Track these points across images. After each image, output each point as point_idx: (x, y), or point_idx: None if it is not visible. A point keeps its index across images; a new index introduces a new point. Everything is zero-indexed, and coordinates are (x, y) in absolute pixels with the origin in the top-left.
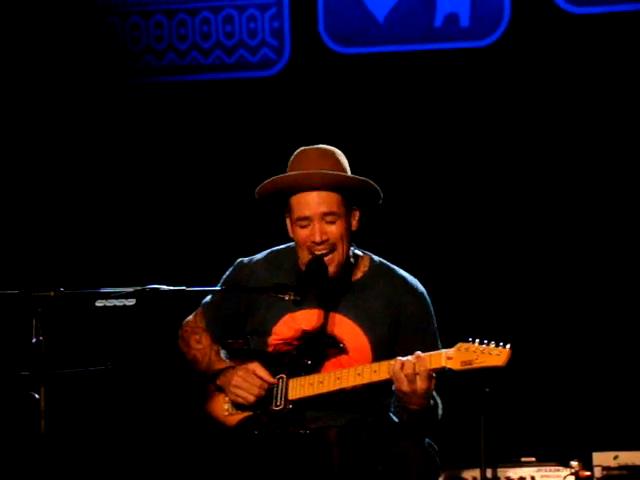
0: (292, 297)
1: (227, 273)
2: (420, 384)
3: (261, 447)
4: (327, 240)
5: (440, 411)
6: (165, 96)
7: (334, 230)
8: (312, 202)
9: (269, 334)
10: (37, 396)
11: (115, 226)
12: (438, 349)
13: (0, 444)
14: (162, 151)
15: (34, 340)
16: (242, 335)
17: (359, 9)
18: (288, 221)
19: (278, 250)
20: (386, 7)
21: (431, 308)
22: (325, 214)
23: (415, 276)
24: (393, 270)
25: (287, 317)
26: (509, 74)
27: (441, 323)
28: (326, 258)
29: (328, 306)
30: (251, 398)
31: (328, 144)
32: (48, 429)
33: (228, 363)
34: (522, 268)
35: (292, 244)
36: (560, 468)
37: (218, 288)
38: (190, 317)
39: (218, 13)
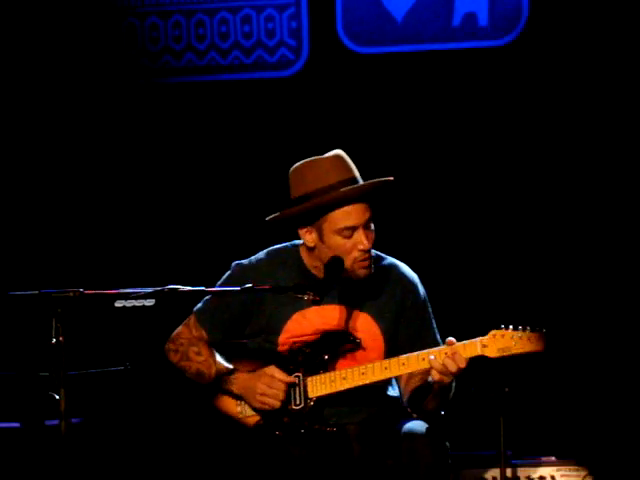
0: (312, 297)
1: (225, 277)
2: (456, 370)
3: (285, 447)
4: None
5: (453, 383)
6: (183, 96)
7: (373, 235)
8: (359, 212)
9: (279, 333)
10: (57, 397)
11: (134, 227)
12: (435, 334)
13: (20, 444)
14: (180, 151)
15: (54, 341)
16: (240, 338)
17: (377, 9)
18: (310, 234)
19: (278, 249)
20: (404, 6)
21: (426, 295)
22: (368, 220)
23: (414, 267)
24: (387, 259)
25: (298, 315)
26: (528, 73)
27: (442, 315)
28: (367, 263)
29: (339, 301)
30: (278, 404)
31: (346, 143)
32: (68, 430)
33: (230, 366)
34: (541, 263)
35: (295, 243)
36: (580, 467)
37: (238, 288)
38: (180, 328)
39: (236, 13)
